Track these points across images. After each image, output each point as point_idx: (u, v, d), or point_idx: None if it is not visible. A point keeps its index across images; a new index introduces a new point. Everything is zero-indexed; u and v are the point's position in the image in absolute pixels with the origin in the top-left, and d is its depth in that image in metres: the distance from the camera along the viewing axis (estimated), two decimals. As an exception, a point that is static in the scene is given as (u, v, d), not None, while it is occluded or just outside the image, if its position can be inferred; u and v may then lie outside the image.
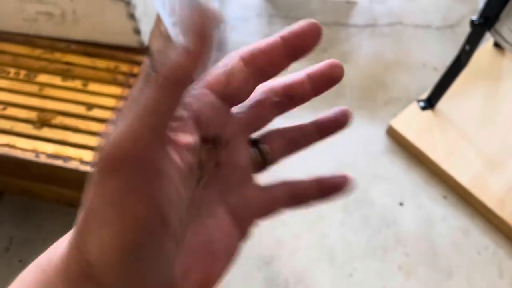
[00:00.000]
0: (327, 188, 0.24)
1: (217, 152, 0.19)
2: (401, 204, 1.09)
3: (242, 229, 0.22)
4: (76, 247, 0.16)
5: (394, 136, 1.17)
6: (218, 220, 0.20)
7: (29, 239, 1.02)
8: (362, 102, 1.24)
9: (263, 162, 0.22)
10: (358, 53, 1.33)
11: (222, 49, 0.16)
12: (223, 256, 0.21)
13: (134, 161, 0.15)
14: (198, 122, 0.18)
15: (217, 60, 0.19)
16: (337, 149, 1.17)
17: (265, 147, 0.22)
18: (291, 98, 0.22)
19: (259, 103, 0.21)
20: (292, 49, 0.20)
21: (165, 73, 0.15)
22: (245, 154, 0.21)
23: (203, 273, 0.19)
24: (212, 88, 0.19)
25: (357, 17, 1.40)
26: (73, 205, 1.05)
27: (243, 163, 0.21)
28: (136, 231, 0.16)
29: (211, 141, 0.19)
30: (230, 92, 0.19)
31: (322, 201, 0.24)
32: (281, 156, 0.24)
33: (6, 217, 1.06)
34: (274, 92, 0.22)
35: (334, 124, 0.24)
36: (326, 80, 0.23)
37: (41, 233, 1.03)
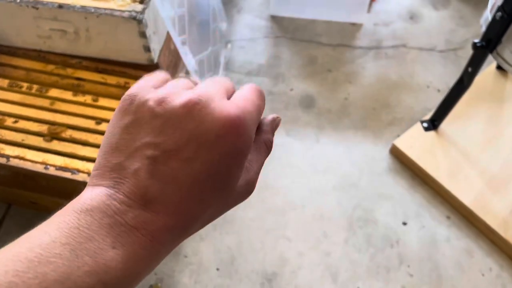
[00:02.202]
0: None
1: None
2: (404, 223, 1.09)
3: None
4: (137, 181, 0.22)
5: (397, 155, 1.18)
6: None
7: (34, 252, 1.03)
8: (366, 122, 1.26)
9: None
10: (363, 74, 1.35)
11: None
12: None
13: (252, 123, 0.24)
14: None
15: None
16: (341, 168, 1.18)
17: None
18: None
19: None
20: None
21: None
22: None
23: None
24: None
25: (362, 39, 1.43)
26: (79, 218, 1.06)
27: None
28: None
29: None
30: None
31: None
32: None
33: (12, 228, 1.07)
34: None
35: None
36: None
37: (46, 245, 1.04)
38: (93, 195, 0.22)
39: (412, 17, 1.50)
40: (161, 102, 0.22)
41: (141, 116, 0.22)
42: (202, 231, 1.08)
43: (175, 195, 0.21)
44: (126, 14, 0.89)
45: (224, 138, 0.22)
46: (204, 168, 0.22)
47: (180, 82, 0.25)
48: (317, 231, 1.08)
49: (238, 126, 0.22)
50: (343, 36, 1.43)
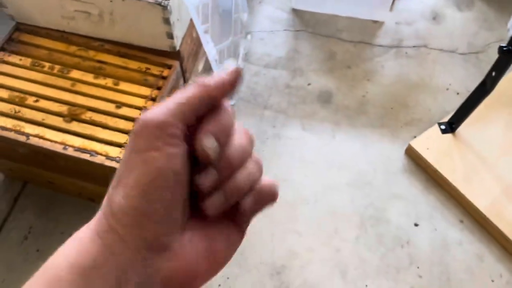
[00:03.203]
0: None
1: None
2: (416, 224, 1.08)
3: (240, 231, 0.26)
4: (107, 199, 0.21)
5: (413, 156, 1.17)
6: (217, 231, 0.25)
7: (48, 230, 1.04)
8: (383, 120, 1.25)
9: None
10: (382, 73, 1.34)
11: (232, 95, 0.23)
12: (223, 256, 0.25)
13: (159, 126, 0.21)
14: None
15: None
16: (356, 165, 1.17)
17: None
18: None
19: None
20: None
21: (207, 81, 0.22)
22: None
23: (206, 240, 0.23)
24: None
25: (383, 37, 1.42)
26: (94, 200, 1.08)
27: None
28: (155, 175, 0.20)
29: None
30: None
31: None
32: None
33: (27, 206, 1.08)
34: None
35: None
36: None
37: (60, 225, 1.05)
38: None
39: (435, 17, 1.48)
40: None
41: None
42: (213, 220, 1.08)
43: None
44: (151, 0, 0.89)
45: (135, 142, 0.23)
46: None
47: None
48: (328, 227, 1.08)
49: (150, 126, 0.22)
50: (364, 33, 1.42)
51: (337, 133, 1.23)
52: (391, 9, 1.42)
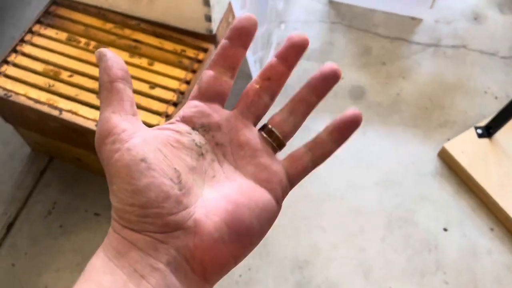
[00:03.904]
0: (343, 130, 0.28)
1: (213, 135, 0.25)
2: (445, 229, 1.05)
3: (271, 190, 0.25)
4: (112, 209, 0.23)
5: (446, 159, 1.13)
6: (237, 182, 0.24)
7: (72, 207, 1.04)
8: (416, 120, 1.21)
9: (274, 140, 0.27)
10: (418, 71, 1.30)
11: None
12: (252, 206, 0.23)
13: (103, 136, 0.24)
14: (185, 121, 0.25)
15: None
16: (384, 164, 1.14)
17: (270, 128, 0.27)
18: (268, 79, 0.27)
19: (244, 95, 0.27)
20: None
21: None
22: (250, 134, 0.26)
23: (226, 213, 0.23)
24: (196, 97, 0.26)
25: (421, 34, 1.37)
26: (119, 180, 1.07)
27: (249, 141, 0.26)
28: (136, 175, 0.21)
29: (199, 129, 0.25)
30: (210, 95, 0.26)
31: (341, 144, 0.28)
32: (290, 134, 0.28)
33: (52, 181, 1.08)
34: (254, 81, 0.27)
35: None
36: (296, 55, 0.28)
37: (84, 202, 1.05)
38: None
39: (476, 18, 1.43)
40: None
41: None
42: (237, 209, 1.07)
43: None
44: (193, -20, 0.87)
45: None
46: None
47: None
48: (354, 225, 1.06)
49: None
50: (401, 30, 1.38)
51: (367, 130, 1.20)
52: (431, 6, 1.38)
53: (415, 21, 1.40)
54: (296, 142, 1.05)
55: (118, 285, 0.20)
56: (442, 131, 1.20)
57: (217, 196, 0.23)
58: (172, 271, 0.21)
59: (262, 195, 0.24)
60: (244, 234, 0.23)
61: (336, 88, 1.10)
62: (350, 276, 0.99)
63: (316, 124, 1.19)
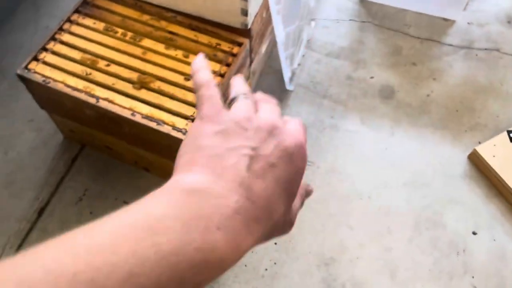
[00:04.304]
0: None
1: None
2: (474, 233, 1.04)
3: None
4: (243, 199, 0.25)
5: (476, 162, 1.12)
6: None
7: (103, 194, 1.06)
8: (446, 122, 1.20)
9: None
10: (449, 73, 1.29)
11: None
12: None
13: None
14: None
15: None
16: (413, 165, 1.14)
17: None
18: None
19: None
20: None
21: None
22: None
23: None
24: None
25: (453, 36, 1.36)
26: (149, 170, 1.08)
27: None
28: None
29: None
30: None
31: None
32: None
33: (84, 169, 1.10)
34: None
35: None
36: None
37: (114, 190, 1.06)
38: (198, 179, 0.24)
39: (510, 21, 1.40)
40: (249, 119, 0.27)
41: (230, 127, 0.26)
42: (264, 204, 1.07)
43: (263, 191, 0.25)
44: (232, -27, 0.88)
45: (295, 156, 0.26)
46: (281, 175, 0.26)
47: (260, 102, 0.30)
48: (381, 225, 1.05)
49: (304, 149, 0.27)
50: (433, 31, 1.37)
51: (396, 131, 1.19)
52: (464, 8, 1.36)
53: (447, 23, 1.39)
54: (326, 140, 1.06)
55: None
56: (473, 134, 1.18)
57: None
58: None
59: None
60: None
61: (365, 87, 1.12)
62: (376, 276, 0.99)
63: (345, 123, 1.20)
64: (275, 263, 1.00)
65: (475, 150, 1.11)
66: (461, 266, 1.00)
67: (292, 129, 0.28)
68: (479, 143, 1.15)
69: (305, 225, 1.04)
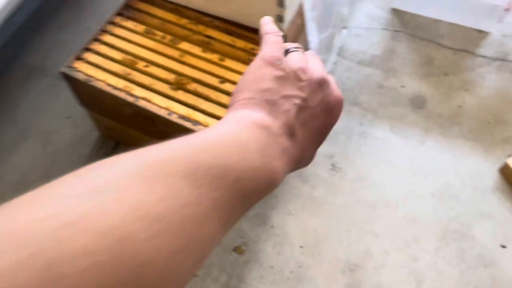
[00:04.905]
0: None
1: None
2: (503, 246, 1.03)
3: None
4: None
5: (508, 176, 1.11)
6: None
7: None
8: (477, 134, 1.19)
9: None
10: (482, 84, 1.28)
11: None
12: None
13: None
14: None
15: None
16: (442, 175, 1.13)
17: None
18: None
19: None
20: None
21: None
22: None
23: None
24: None
25: (487, 48, 1.35)
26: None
27: None
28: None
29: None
30: None
31: None
32: None
33: (118, 166, 1.14)
34: None
35: None
36: None
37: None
38: (263, 117, 0.28)
39: (547, 34, 1.38)
40: (304, 70, 0.30)
41: (288, 75, 0.30)
42: (291, 207, 1.09)
43: (304, 136, 0.29)
44: (270, -19, 0.90)
45: (334, 110, 0.31)
46: (319, 126, 0.31)
47: (309, 56, 0.33)
48: (407, 233, 1.05)
49: (342, 106, 0.32)
50: (466, 42, 1.36)
51: (426, 140, 1.19)
52: (500, 20, 1.35)
53: (482, 34, 1.38)
54: (354, 146, 1.07)
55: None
56: (504, 147, 1.17)
57: None
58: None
59: None
60: None
61: (396, 95, 1.12)
62: (401, 284, 0.99)
63: (374, 131, 1.20)
64: (300, 266, 1.01)
65: (506, 163, 1.10)
66: (488, 279, 0.99)
67: (336, 88, 0.32)
68: (510, 156, 1.14)
69: (331, 230, 1.05)
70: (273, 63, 0.30)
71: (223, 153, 0.23)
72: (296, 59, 0.31)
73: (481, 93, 1.26)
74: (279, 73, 0.30)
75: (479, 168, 1.14)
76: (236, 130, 0.26)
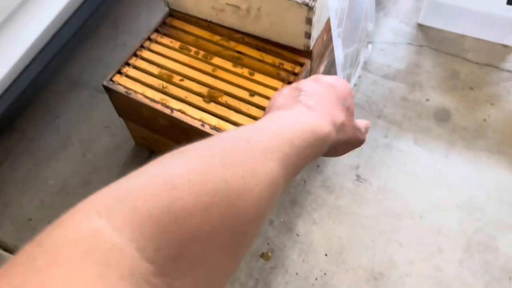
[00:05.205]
0: None
1: None
2: (529, 260, 1.03)
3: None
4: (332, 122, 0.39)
5: (533, 189, 1.11)
6: None
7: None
8: (502, 147, 1.20)
9: None
10: (507, 98, 1.29)
11: None
12: None
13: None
14: None
15: None
16: (467, 188, 1.14)
17: None
18: None
19: None
20: None
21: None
22: None
23: None
24: None
25: (513, 62, 1.36)
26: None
27: None
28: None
29: None
30: None
31: None
32: None
33: (152, 173, 1.20)
34: None
35: None
36: None
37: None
38: (298, 114, 0.38)
39: None
40: (316, 79, 0.42)
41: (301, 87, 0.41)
42: (316, 216, 1.12)
43: (318, 106, 0.38)
44: (299, 0, 0.96)
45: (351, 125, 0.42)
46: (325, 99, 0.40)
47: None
48: (432, 244, 1.07)
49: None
50: (491, 56, 1.38)
51: (450, 153, 1.21)
52: (525, 34, 1.36)
53: (507, 49, 1.39)
54: (379, 158, 1.11)
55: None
56: (531, 160, 1.18)
57: None
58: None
59: None
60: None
61: (421, 108, 1.16)
62: (425, 294, 1.01)
63: (398, 143, 1.23)
64: (325, 274, 1.04)
65: (532, 176, 1.11)
66: (513, 291, 0.99)
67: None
68: (537, 170, 1.14)
69: (356, 239, 1.08)
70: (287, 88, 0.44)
71: (301, 137, 0.34)
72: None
73: (506, 107, 1.27)
74: (289, 89, 0.43)
75: (505, 180, 1.15)
76: (306, 119, 0.37)
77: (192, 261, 0.23)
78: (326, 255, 1.07)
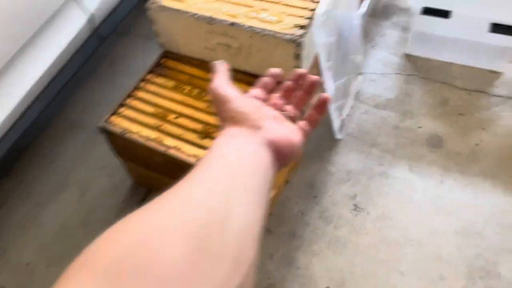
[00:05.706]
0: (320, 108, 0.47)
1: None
2: (532, 283, 1.02)
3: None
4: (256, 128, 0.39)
5: (530, 211, 1.12)
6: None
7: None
8: (497, 171, 1.21)
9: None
10: (498, 123, 1.31)
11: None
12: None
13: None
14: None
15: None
16: (465, 213, 1.15)
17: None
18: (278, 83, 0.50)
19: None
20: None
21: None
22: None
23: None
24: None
25: (501, 88, 1.39)
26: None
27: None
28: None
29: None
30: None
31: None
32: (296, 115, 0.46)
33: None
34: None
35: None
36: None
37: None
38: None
39: (560, 71, 1.42)
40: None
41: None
42: (316, 247, 1.12)
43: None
44: (287, 37, 0.99)
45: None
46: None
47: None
48: (434, 272, 1.06)
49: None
50: (480, 82, 1.41)
51: (445, 179, 1.22)
52: (511, 61, 1.40)
53: (494, 74, 1.42)
54: (375, 186, 1.11)
55: (241, 133, 0.38)
56: (526, 183, 1.18)
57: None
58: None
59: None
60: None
61: (413, 136, 1.18)
62: (429, 323, 0.99)
63: (393, 171, 1.24)
64: (327, 306, 1.02)
65: (528, 198, 1.11)
66: (519, 317, 0.98)
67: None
68: (533, 192, 1.15)
69: (357, 269, 1.07)
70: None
71: (254, 170, 0.35)
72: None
73: (498, 131, 1.29)
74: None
75: (501, 204, 1.15)
76: (252, 148, 0.37)
77: None
78: (327, 287, 1.06)
